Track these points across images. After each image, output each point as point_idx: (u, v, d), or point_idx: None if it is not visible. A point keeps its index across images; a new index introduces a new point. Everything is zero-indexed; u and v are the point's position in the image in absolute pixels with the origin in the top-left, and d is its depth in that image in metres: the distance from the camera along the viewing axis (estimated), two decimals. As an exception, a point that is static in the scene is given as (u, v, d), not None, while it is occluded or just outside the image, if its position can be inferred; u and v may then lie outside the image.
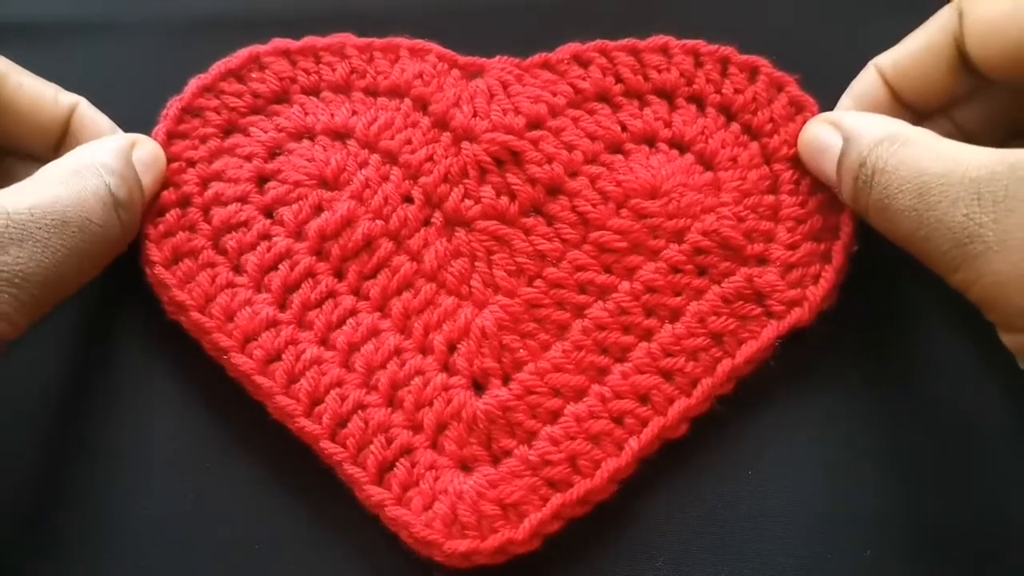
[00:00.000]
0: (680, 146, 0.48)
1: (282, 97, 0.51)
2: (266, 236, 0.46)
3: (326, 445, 0.41)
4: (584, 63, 0.51)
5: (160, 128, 0.49)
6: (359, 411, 0.42)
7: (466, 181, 0.47)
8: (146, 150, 0.45)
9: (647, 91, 0.50)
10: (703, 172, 0.47)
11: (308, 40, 0.52)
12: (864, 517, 0.41)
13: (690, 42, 0.51)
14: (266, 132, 0.49)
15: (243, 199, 0.47)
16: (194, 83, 0.50)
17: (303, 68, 0.51)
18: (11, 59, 0.44)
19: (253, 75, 0.51)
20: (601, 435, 0.41)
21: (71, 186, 0.40)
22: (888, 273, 0.47)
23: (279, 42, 0.51)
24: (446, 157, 0.48)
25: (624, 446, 0.41)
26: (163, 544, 0.41)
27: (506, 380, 0.43)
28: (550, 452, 0.41)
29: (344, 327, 0.44)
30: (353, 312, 0.45)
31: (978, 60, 0.41)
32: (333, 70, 0.51)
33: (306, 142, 0.49)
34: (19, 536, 0.42)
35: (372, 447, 0.41)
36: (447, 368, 0.43)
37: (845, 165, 0.41)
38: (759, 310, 0.44)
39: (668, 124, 0.49)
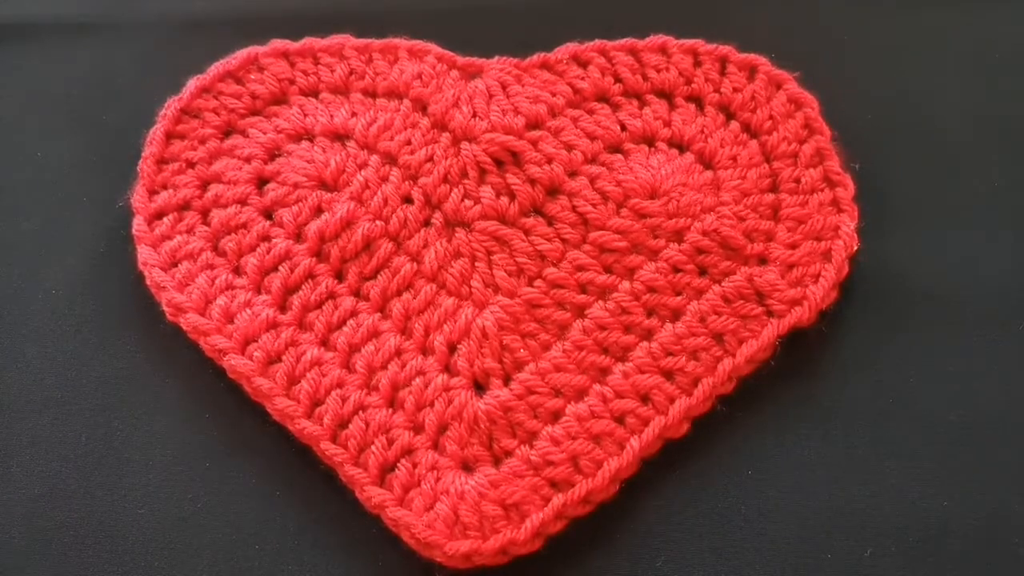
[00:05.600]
0: (680, 145, 0.48)
1: (281, 98, 0.51)
2: (266, 238, 0.46)
3: (327, 446, 0.41)
4: (583, 63, 0.51)
5: (158, 128, 0.49)
6: (360, 412, 0.42)
7: (466, 182, 0.47)
8: None
9: (646, 91, 0.50)
10: (703, 171, 0.47)
11: (307, 41, 0.52)
12: (864, 517, 0.41)
13: (689, 41, 0.51)
14: (265, 133, 0.49)
15: (242, 201, 0.47)
16: (193, 84, 0.50)
17: (302, 69, 0.51)
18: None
19: (252, 76, 0.51)
20: (603, 435, 0.41)
21: None
22: (888, 272, 0.47)
23: (278, 43, 0.52)
24: (446, 158, 0.48)
25: (626, 446, 0.41)
26: (163, 544, 0.41)
27: (507, 380, 0.43)
28: (552, 452, 0.41)
29: (344, 328, 0.44)
30: (353, 313, 0.44)
31: None
32: (332, 71, 0.51)
33: (305, 143, 0.49)
34: (20, 536, 0.42)
35: (373, 448, 0.41)
36: (448, 369, 0.43)
37: None
38: (760, 309, 0.44)
39: (667, 123, 0.49)
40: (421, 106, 0.50)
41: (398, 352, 0.43)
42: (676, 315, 0.44)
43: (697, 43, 0.51)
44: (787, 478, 0.42)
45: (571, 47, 0.51)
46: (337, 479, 0.41)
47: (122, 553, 0.41)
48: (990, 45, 0.54)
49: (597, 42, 0.51)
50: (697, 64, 0.50)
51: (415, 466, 0.41)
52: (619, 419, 0.42)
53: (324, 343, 0.44)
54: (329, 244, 0.46)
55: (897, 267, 0.47)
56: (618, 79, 0.50)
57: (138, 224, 0.47)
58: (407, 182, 0.47)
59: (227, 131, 0.50)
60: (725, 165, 0.47)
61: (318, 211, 0.46)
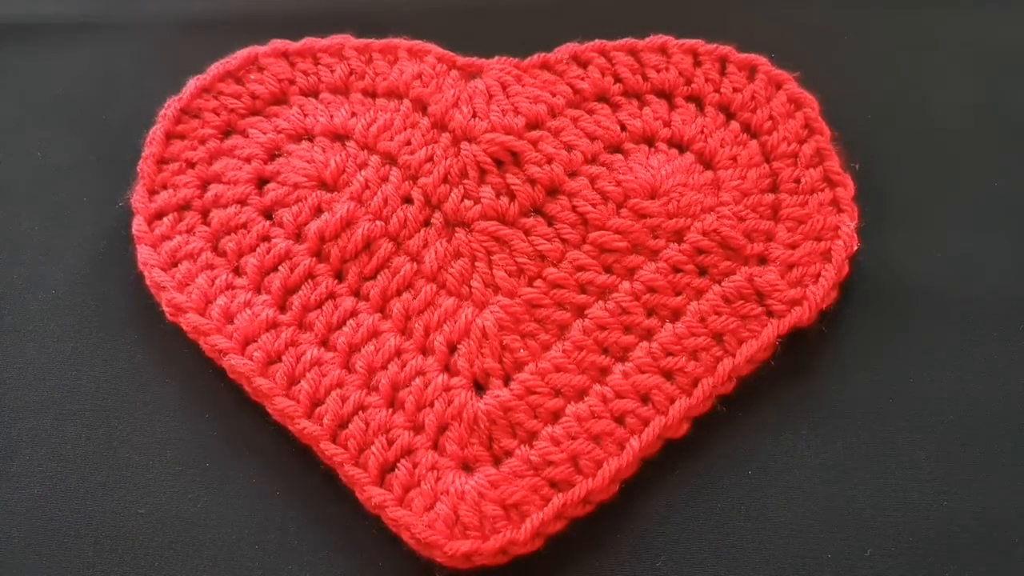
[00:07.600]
0: (679, 145, 0.48)
1: (281, 98, 0.51)
2: (266, 238, 0.46)
3: (327, 446, 0.41)
4: (583, 63, 0.51)
5: (158, 128, 0.49)
6: (360, 412, 0.42)
7: (466, 182, 0.47)
8: None
9: (646, 91, 0.50)
10: (703, 171, 0.47)
11: (307, 41, 0.52)
12: (864, 517, 0.41)
13: (688, 41, 0.51)
14: (265, 134, 0.49)
15: (242, 201, 0.47)
16: (193, 84, 0.50)
17: (302, 69, 0.51)
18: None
19: (252, 76, 0.51)
20: (602, 435, 0.41)
21: None
22: (888, 272, 0.47)
23: (278, 43, 0.52)
24: (445, 158, 0.48)
25: (626, 446, 0.41)
26: (163, 544, 0.41)
27: (507, 380, 0.43)
28: (551, 452, 0.41)
29: (344, 328, 0.44)
30: (353, 313, 0.44)
31: None
32: (332, 71, 0.51)
33: (305, 144, 0.49)
34: (19, 536, 0.42)
35: (373, 448, 0.41)
36: (448, 369, 0.43)
37: None
38: (760, 309, 0.44)
39: (667, 123, 0.49)
40: (421, 106, 0.50)
41: (398, 352, 0.43)
42: (676, 315, 0.44)
43: (697, 43, 0.51)
44: (787, 478, 0.42)
45: (571, 47, 0.51)
46: (337, 479, 0.41)
47: (122, 553, 0.41)
48: (990, 45, 0.54)
49: (597, 42, 0.51)
50: (697, 64, 0.50)
51: (415, 466, 0.41)
52: (619, 419, 0.42)
53: (324, 343, 0.44)
54: (329, 244, 0.46)
55: (897, 267, 0.47)
56: (618, 79, 0.50)
57: (138, 224, 0.47)
58: (407, 182, 0.47)
59: (227, 131, 0.50)
60: (725, 165, 0.47)
61: (318, 211, 0.46)
